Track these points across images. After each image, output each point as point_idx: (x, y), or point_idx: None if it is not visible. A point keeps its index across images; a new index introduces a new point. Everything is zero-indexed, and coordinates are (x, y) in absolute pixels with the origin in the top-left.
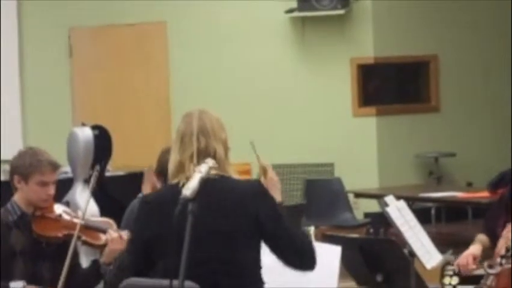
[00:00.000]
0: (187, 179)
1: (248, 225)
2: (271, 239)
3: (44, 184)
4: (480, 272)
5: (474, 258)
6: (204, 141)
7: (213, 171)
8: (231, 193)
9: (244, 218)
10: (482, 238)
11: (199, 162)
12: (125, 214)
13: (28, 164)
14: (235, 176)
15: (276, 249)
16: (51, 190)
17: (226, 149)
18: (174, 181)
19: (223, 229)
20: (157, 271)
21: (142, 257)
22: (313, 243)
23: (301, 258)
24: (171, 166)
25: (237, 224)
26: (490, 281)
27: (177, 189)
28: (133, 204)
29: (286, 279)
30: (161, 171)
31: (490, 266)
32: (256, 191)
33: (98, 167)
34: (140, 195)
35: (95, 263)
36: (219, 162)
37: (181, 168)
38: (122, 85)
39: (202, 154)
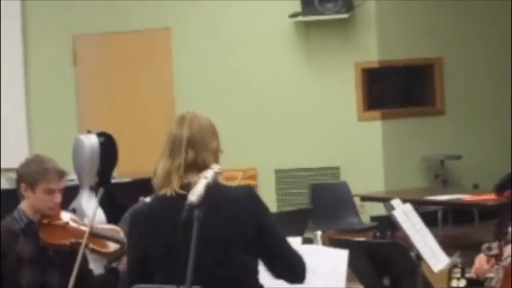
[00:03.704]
0: (174, 191)
1: (245, 229)
2: (264, 247)
3: (50, 192)
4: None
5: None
6: (192, 153)
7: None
8: (226, 199)
9: (242, 223)
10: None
11: (185, 173)
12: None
13: (35, 172)
14: (225, 182)
15: (267, 258)
16: (58, 198)
17: (216, 157)
18: (161, 192)
19: (221, 235)
20: (155, 282)
21: (139, 269)
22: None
23: (292, 269)
24: (160, 173)
25: (234, 229)
26: (494, 282)
27: (164, 200)
28: (129, 211)
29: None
30: None
31: (489, 248)
32: (252, 195)
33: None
34: (141, 199)
35: (113, 271)
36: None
37: (168, 179)
38: (127, 92)
39: (190, 166)
